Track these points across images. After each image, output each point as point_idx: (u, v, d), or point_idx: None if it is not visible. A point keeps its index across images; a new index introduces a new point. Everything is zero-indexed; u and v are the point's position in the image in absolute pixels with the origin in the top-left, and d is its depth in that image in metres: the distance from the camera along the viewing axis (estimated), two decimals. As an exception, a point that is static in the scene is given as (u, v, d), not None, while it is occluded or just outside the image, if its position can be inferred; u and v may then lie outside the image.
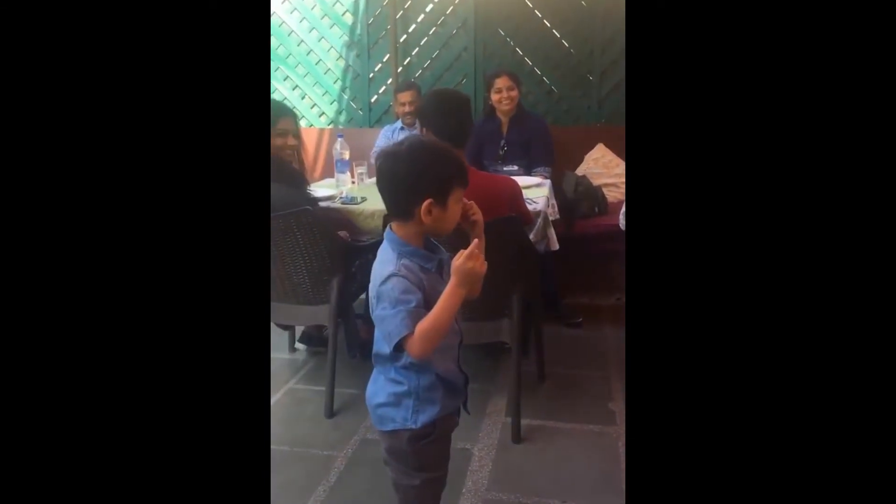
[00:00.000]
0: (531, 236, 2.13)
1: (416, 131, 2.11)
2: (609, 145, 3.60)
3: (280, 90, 4.18)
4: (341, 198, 2.45)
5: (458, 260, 1.09)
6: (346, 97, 4.12)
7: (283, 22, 4.07)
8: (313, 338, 2.67)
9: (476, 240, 1.14)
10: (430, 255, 1.19)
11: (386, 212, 1.26)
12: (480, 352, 2.50)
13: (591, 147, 3.64)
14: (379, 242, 1.24)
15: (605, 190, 3.30)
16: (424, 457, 1.23)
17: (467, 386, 1.29)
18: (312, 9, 4.04)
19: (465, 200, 1.20)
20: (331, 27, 4.04)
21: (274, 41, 4.09)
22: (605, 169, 3.56)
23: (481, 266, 1.10)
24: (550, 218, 2.41)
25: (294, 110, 2.83)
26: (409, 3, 3.91)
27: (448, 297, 1.10)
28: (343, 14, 4.01)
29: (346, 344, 2.26)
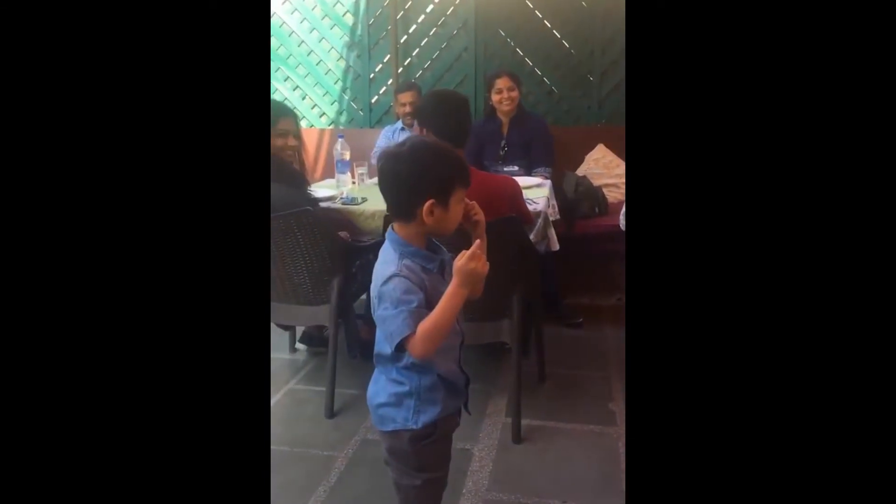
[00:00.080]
0: (531, 237, 2.13)
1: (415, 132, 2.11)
2: (609, 146, 3.60)
3: (281, 91, 4.18)
4: (342, 198, 2.46)
5: (460, 260, 1.09)
6: (346, 98, 4.12)
7: (284, 23, 4.08)
8: (314, 338, 2.67)
9: (478, 240, 1.14)
10: (432, 255, 1.19)
11: (386, 212, 1.26)
12: (481, 352, 2.50)
13: (592, 147, 3.64)
14: (380, 243, 1.24)
15: (605, 190, 3.30)
16: (425, 457, 1.23)
17: (468, 386, 1.29)
18: (313, 9, 4.04)
19: (467, 201, 1.20)
20: (331, 28, 4.04)
21: (275, 42, 4.10)
22: (605, 169, 3.56)
23: (483, 266, 1.10)
24: (551, 218, 2.41)
25: (295, 111, 2.84)
26: (410, 3, 3.91)
27: (450, 297, 1.10)
28: (344, 15, 4.02)
29: (347, 344, 2.26)
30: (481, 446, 1.98)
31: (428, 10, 3.91)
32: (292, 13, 4.07)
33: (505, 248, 1.79)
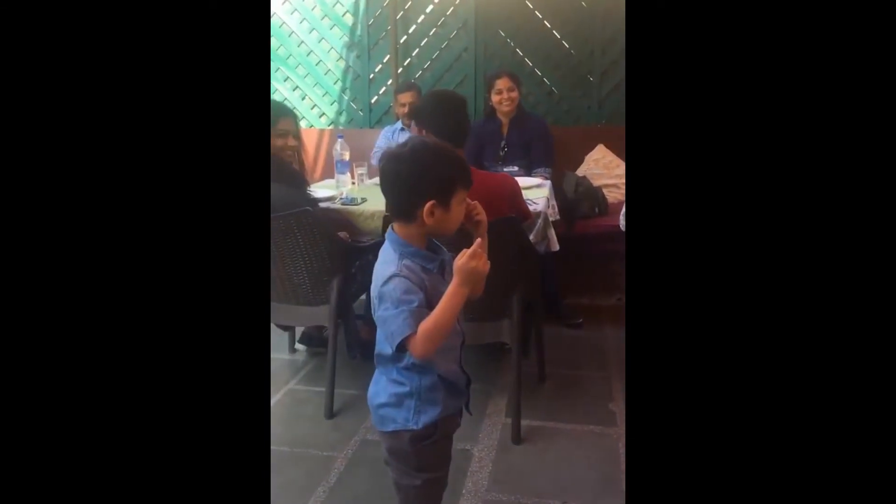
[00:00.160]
0: (531, 237, 2.13)
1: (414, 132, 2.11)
2: (609, 146, 3.60)
3: (281, 91, 4.18)
4: (341, 198, 2.45)
5: (461, 259, 1.09)
6: (346, 98, 4.12)
7: (284, 23, 4.08)
8: (313, 338, 2.67)
9: (479, 239, 1.14)
10: (433, 255, 1.19)
11: (386, 212, 1.26)
12: (481, 352, 2.50)
13: (592, 147, 3.64)
14: (379, 243, 1.24)
15: (605, 190, 3.30)
16: (426, 457, 1.23)
17: (469, 387, 1.29)
18: (313, 10, 4.04)
19: (469, 201, 1.20)
20: (331, 28, 4.04)
21: (275, 42, 4.10)
22: (605, 170, 3.56)
23: (484, 265, 1.10)
24: (551, 219, 2.41)
25: (294, 111, 2.84)
26: (410, 3, 3.91)
27: (451, 296, 1.10)
28: (343, 15, 4.02)
29: (346, 344, 2.26)
30: (481, 447, 1.98)
31: (428, 10, 3.91)
32: (292, 13, 4.07)
33: (505, 248, 1.79)
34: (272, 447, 1.91)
